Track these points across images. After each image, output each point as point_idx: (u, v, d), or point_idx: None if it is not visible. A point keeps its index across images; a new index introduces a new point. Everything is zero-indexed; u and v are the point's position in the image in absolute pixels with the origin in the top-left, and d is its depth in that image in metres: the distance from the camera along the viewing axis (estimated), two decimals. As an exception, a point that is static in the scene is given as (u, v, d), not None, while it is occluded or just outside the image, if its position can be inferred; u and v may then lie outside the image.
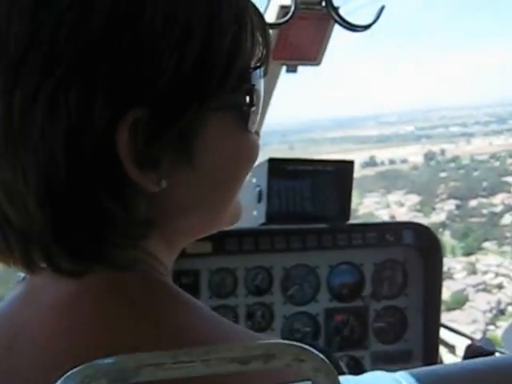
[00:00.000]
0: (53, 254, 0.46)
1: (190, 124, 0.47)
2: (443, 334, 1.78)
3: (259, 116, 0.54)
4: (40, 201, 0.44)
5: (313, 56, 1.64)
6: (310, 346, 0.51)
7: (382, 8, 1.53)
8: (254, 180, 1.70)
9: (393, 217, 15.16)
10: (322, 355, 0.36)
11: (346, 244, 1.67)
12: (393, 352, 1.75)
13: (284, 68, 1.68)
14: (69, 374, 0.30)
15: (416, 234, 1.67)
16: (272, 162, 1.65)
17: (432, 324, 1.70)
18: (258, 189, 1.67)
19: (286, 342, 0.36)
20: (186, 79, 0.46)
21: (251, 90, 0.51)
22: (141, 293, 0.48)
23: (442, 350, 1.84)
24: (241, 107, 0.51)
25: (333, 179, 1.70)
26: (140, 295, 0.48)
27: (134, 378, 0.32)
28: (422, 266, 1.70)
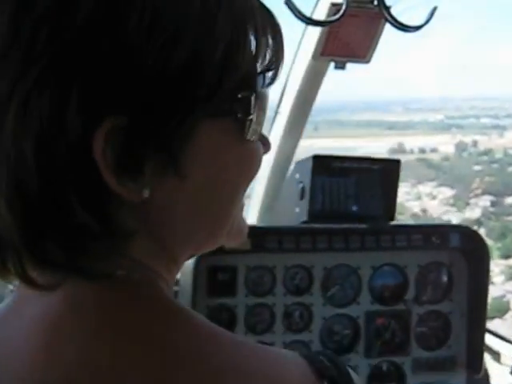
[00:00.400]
0: (24, 262, 0.45)
1: (175, 133, 0.45)
2: (488, 339, 1.71)
3: (263, 123, 0.52)
4: (10, 205, 0.43)
5: (362, 54, 1.59)
6: (317, 352, 0.51)
7: (435, 9, 1.48)
8: (297, 176, 1.66)
9: (424, 210, 14.87)
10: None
11: (389, 245, 1.62)
12: (435, 359, 1.69)
13: (332, 65, 1.62)
14: None
15: (463, 238, 1.61)
16: (317, 158, 1.61)
17: (477, 330, 1.64)
18: (301, 185, 1.63)
19: None
20: (169, 87, 0.43)
21: (249, 98, 0.48)
22: (122, 307, 0.46)
23: (486, 357, 1.77)
24: (235, 116, 0.48)
25: (378, 178, 1.65)
26: (121, 309, 0.46)
27: None
28: (467, 270, 1.64)
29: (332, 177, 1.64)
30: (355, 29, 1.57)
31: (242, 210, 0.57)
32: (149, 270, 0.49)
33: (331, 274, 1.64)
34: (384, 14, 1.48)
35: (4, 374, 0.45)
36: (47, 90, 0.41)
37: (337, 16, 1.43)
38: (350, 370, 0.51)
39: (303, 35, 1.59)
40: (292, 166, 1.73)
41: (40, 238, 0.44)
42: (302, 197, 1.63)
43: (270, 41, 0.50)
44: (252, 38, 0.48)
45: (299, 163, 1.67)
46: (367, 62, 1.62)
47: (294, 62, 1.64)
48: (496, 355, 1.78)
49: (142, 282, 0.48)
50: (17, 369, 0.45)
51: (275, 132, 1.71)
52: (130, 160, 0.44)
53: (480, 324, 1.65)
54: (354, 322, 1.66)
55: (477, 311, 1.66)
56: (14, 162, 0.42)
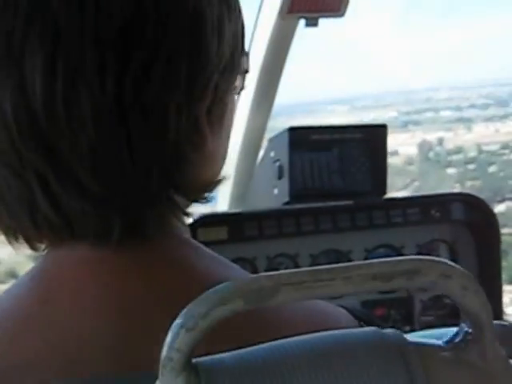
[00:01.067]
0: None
1: (213, 96, 0.49)
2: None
3: None
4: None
5: (335, 6, 1.41)
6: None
7: None
8: (273, 153, 1.48)
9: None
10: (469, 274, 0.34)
11: (383, 223, 1.46)
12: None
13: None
14: (204, 295, 0.29)
15: (467, 208, 1.45)
16: (293, 131, 1.45)
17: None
18: (277, 163, 1.46)
19: (431, 258, 0.34)
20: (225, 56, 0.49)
21: (247, 56, 0.55)
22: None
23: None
24: (245, 72, 0.56)
25: (363, 148, 1.50)
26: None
27: (272, 299, 0.30)
28: (474, 246, 1.45)
29: (312, 151, 1.48)
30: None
31: None
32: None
33: (319, 260, 1.48)
34: None
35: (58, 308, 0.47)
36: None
37: None
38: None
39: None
40: (265, 144, 1.51)
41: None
42: (280, 176, 1.45)
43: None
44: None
45: (273, 139, 1.48)
46: (341, 15, 1.44)
47: (256, 23, 1.44)
48: None
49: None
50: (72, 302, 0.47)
51: (242, 107, 1.51)
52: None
53: (494, 309, 1.45)
54: (351, 314, 1.43)
55: (490, 295, 1.46)
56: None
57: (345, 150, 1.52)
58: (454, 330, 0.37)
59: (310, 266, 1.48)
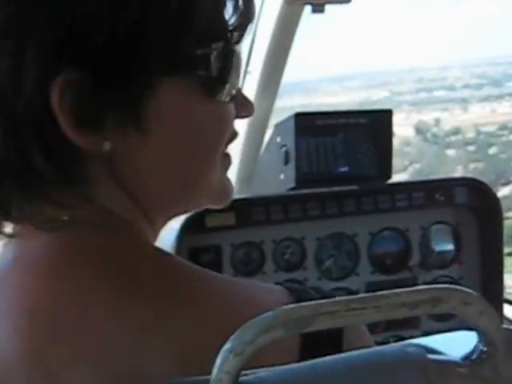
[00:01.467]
0: None
1: (130, 88, 0.48)
2: (507, 310, 1.56)
3: (234, 83, 0.54)
4: None
5: (341, -8, 1.41)
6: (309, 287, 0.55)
7: None
8: (279, 139, 1.50)
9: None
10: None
11: (388, 207, 1.49)
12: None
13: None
14: (247, 324, 0.32)
15: (470, 192, 1.48)
16: (299, 116, 1.45)
17: (492, 297, 1.49)
18: (284, 149, 1.48)
19: (451, 286, 0.37)
20: (120, 42, 0.47)
21: (208, 55, 0.50)
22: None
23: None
24: (197, 74, 0.51)
25: (369, 133, 1.51)
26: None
27: (309, 327, 0.33)
28: (477, 229, 1.49)
29: (317, 136, 1.50)
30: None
31: (224, 170, 0.59)
32: (123, 221, 0.53)
33: (325, 244, 1.51)
34: None
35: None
36: (7, 49, 0.46)
37: None
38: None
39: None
40: (270, 129, 1.53)
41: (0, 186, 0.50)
42: (286, 161, 1.48)
43: None
44: None
45: (279, 125, 1.50)
46: (348, 1, 1.44)
47: (262, 8, 1.44)
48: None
49: (114, 226, 0.52)
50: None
51: (247, 92, 1.50)
52: (89, 113, 0.48)
53: (496, 290, 1.50)
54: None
55: (492, 276, 1.52)
56: None
57: (350, 135, 1.54)
58: (459, 334, 0.40)
59: (316, 249, 1.52)
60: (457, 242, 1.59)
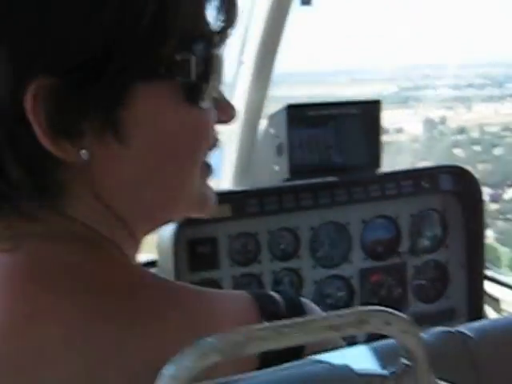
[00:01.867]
0: None
1: (107, 95, 0.47)
2: (487, 286, 1.62)
3: (214, 89, 0.53)
4: None
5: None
6: (274, 291, 0.57)
7: None
8: (272, 130, 1.55)
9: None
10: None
11: (379, 195, 1.56)
12: (435, 311, 1.62)
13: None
14: (184, 350, 0.34)
15: (454, 179, 1.55)
16: (291, 108, 1.50)
17: (476, 278, 1.57)
18: (277, 140, 1.52)
19: (374, 308, 0.39)
20: (94, 48, 0.46)
21: (188, 60, 0.49)
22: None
23: (486, 305, 1.69)
24: (175, 79, 0.49)
25: (359, 123, 1.56)
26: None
27: (245, 351, 0.35)
28: (462, 214, 1.55)
29: (309, 128, 1.55)
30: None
31: (205, 179, 0.59)
32: (96, 234, 0.52)
33: (319, 233, 1.56)
34: None
35: None
36: None
37: None
38: (311, 306, 0.57)
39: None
40: (264, 120, 1.58)
41: None
42: (280, 153, 1.51)
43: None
44: None
45: (272, 116, 1.55)
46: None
47: (253, 3, 1.48)
48: (496, 302, 1.68)
49: (86, 239, 0.52)
50: None
51: (241, 85, 1.57)
52: (64, 120, 0.47)
53: (479, 270, 1.56)
54: (348, 283, 1.56)
55: (475, 258, 1.59)
56: None
57: (341, 126, 1.59)
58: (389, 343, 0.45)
59: (310, 238, 1.58)
60: (443, 227, 1.65)
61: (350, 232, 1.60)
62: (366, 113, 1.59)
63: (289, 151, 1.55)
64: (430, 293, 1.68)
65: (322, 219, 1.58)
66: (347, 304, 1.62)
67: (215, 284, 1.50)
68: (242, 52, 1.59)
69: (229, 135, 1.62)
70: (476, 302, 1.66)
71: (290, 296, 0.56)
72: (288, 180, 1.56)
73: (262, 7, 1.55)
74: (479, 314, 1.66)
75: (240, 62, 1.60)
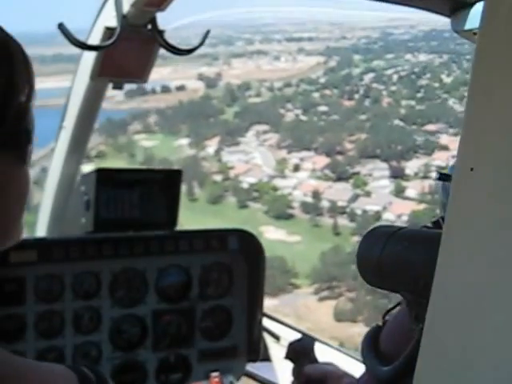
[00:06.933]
0: None
1: None
2: (269, 324, 1.99)
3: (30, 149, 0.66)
4: None
5: (138, 74, 1.77)
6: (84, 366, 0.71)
7: (207, 33, 1.65)
8: (83, 188, 1.83)
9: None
10: None
11: (173, 250, 1.86)
12: (219, 348, 1.95)
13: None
14: None
15: (240, 240, 1.87)
16: (100, 171, 1.79)
17: (255, 321, 1.93)
18: (86, 197, 1.79)
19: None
20: None
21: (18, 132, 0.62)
22: None
23: (269, 340, 2.05)
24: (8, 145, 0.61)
25: (161, 187, 1.85)
26: None
27: None
28: (246, 269, 1.89)
29: (117, 188, 1.82)
30: (130, 51, 1.74)
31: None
32: None
33: (119, 277, 1.85)
34: (157, 38, 1.63)
35: None
36: None
37: (111, 40, 1.56)
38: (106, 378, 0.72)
39: (81, 56, 1.73)
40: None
41: None
42: (87, 208, 1.78)
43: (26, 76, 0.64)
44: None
45: (84, 176, 1.84)
46: (144, 81, 1.80)
47: (74, 81, 1.77)
48: (276, 338, 2.06)
49: None
50: None
51: (60, 146, 1.86)
52: None
53: (257, 316, 1.93)
54: (142, 321, 1.85)
55: (255, 305, 1.93)
56: None
57: (145, 188, 1.89)
58: None
59: (111, 282, 1.87)
60: (230, 277, 1.99)
61: (146, 278, 1.89)
62: (168, 179, 1.90)
63: (95, 207, 1.84)
64: (216, 333, 1.99)
65: (122, 266, 1.87)
66: (141, 338, 1.92)
67: (19, 318, 1.75)
68: (63, 119, 1.88)
69: (47, 190, 1.90)
70: (254, 341, 1.99)
71: (100, 373, 0.68)
72: (92, 232, 1.85)
73: (79, 89, 1.84)
74: (257, 352, 1.99)
75: (61, 127, 1.88)
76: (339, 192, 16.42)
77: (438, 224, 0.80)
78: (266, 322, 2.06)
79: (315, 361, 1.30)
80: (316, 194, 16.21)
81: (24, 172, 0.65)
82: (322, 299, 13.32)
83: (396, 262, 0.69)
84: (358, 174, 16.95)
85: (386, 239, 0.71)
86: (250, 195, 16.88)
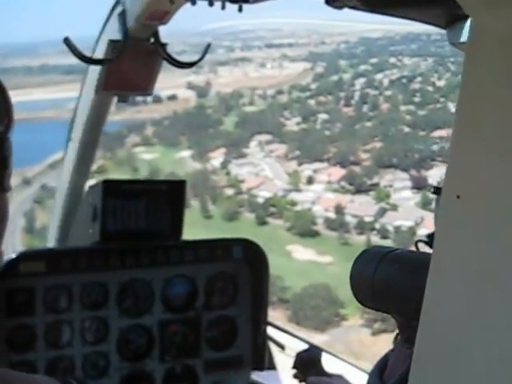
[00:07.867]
0: None
1: None
2: (274, 334, 2.00)
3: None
4: None
5: (143, 86, 1.81)
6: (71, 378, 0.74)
7: (208, 46, 1.68)
8: (90, 199, 1.86)
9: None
10: None
11: (178, 260, 1.89)
12: (224, 358, 1.96)
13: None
14: None
15: (245, 250, 1.89)
16: (107, 182, 1.82)
17: (260, 330, 1.93)
18: (93, 208, 1.81)
19: None
20: None
21: None
22: None
23: (274, 348, 2.06)
24: None
25: (166, 198, 1.88)
26: None
27: None
28: (250, 278, 1.91)
29: (123, 199, 1.85)
30: (134, 64, 1.76)
31: None
32: None
33: (126, 288, 1.87)
34: (160, 52, 1.66)
35: None
36: None
37: (115, 54, 1.57)
38: None
39: (87, 70, 1.77)
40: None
41: None
42: (94, 219, 1.82)
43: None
44: None
45: (91, 187, 1.88)
46: (149, 94, 1.83)
47: (81, 95, 1.81)
48: (281, 347, 2.07)
49: None
50: None
51: (69, 157, 1.90)
52: None
53: (262, 326, 1.94)
54: (149, 331, 1.87)
55: (259, 314, 1.94)
56: None
57: (150, 199, 1.92)
58: None
59: (118, 292, 1.90)
60: (234, 287, 2.01)
61: (152, 288, 1.92)
62: (173, 190, 1.92)
63: (102, 218, 1.87)
64: (221, 342, 2.01)
65: (129, 276, 1.90)
66: (147, 348, 1.95)
67: (29, 329, 1.78)
68: (70, 131, 1.92)
69: (56, 201, 1.95)
70: (259, 351, 2.01)
71: None
72: (99, 242, 1.87)
73: (85, 102, 1.88)
74: (262, 362, 2.01)
75: (69, 139, 1.92)
76: (363, 206, 16.09)
77: (432, 238, 0.81)
78: (270, 331, 2.07)
79: (322, 371, 1.32)
80: (339, 209, 15.86)
81: (1, 197, 0.65)
82: (376, 333, 12.61)
83: (387, 283, 0.71)
84: (377, 185, 16.75)
85: (378, 261, 0.72)
86: (268, 211, 16.67)
